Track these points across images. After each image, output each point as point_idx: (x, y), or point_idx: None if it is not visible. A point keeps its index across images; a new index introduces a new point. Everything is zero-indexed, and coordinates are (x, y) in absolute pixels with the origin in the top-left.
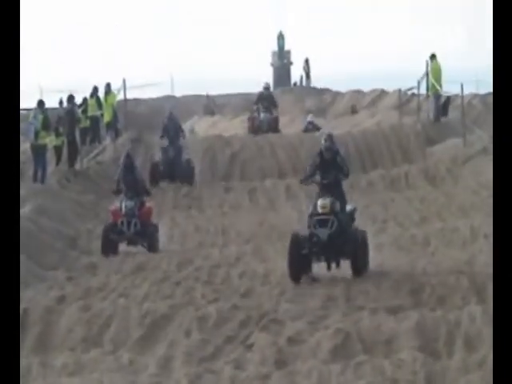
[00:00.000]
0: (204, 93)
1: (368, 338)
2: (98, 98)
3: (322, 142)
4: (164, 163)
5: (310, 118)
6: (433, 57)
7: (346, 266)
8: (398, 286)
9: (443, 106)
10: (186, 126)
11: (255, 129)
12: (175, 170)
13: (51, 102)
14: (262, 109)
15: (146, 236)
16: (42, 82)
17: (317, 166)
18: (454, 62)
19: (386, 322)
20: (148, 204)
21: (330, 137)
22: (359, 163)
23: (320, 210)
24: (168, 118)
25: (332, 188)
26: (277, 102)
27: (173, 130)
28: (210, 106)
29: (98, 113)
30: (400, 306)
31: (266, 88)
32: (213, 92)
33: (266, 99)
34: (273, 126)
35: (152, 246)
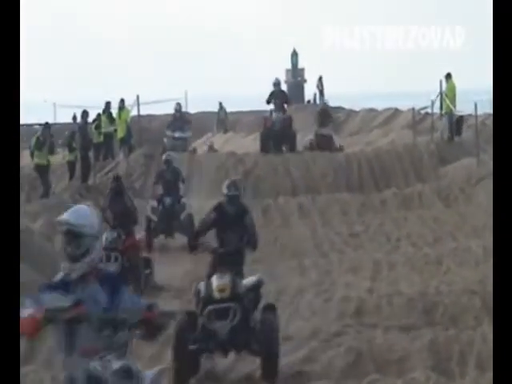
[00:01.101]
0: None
1: (380, 356)
2: (110, 114)
3: (225, 190)
4: (159, 215)
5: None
6: (448, 76)
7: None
8: (411, 305)
9: (457, 125)
10: (202, 142)
11: (267, 131)
12: (173, 225)
13: (65, 118)
14: (275, 108)
15: (131, 274)
16: (56, 98)
17: (212, 223)
18: (468, 81)
19: (399, 340)
20: (138, 235)
21: (234, 184)
22: (372, 182)
23: (217, 295)
24: (165, 161)
25: (232, 259)
26: (289, 98)
27: (171, 178)
28: (224, 120)
29: (111, 128)
30: (413, 324)
31: (277, 84)
32: (226, 109)
33: (277, 96)
34: (286, 125)
35: (137, 287)
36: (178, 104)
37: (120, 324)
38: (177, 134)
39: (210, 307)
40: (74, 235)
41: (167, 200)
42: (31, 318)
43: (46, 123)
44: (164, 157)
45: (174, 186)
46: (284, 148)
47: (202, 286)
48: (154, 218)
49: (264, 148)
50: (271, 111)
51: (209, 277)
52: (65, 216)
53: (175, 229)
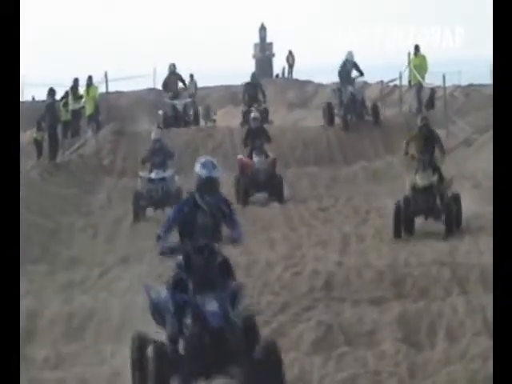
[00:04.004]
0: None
1: (350, 329)
2: (77, 91)
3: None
4: (148, 189)
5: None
6: (416, 48)
7: None
8: (380, 278)
9: (429, 98)
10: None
11: (247, 179)
12: (163, 199)
13: (31, 96)
14: (255, 150)
15: None
16: (25, 75)
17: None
18: (435, 53)
19: (369, 313)
20: None
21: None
22: (341, 155)
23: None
24: (155, 141)
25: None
26: (270, 137)
27: (161, 154)
28: (193, 94)
29: (79, 106)
30: (382, 297)
31: (255, 119)
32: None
33: (256, 135)
34: (271, 173)
35: None
36: (173, 64)
37: None
38: (176, 101)
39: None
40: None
41: (157, 174)
42: None
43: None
44: (152, 135)
45: (163, 162)
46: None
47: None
48: (143, 191)
49: (243, 199)
50: (251, 151)
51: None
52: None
53: (165, 203)
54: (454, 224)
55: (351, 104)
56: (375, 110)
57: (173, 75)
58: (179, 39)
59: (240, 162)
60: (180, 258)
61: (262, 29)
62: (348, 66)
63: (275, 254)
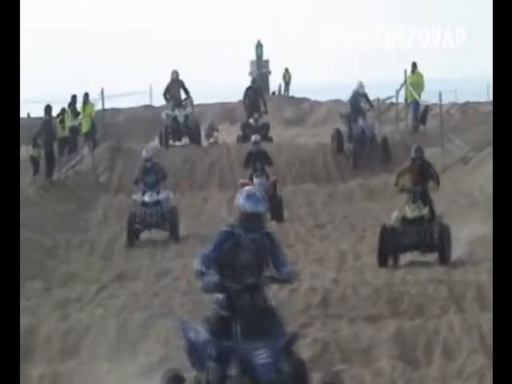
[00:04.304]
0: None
1: (347, 347)
2: (75, 108)
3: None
4: (141, 210)
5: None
6: (414, 66)
7: None
8: (377, 295)
9: (422, 114)
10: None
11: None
12: (157, 219)
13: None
14: (255, 172)
15: None
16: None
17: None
18: (432, 71)
19: (365, 330)
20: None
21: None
22: (338, 172)
23: None
24: (146, 160)
25: None
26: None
27: (153, 174)
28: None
29: (76, 123)
30: (379, 314)
31: (256, 142)
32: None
33: (257, 158)
34: (272, 194)
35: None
36: (176, 71)
37: None
38: (177, 112)
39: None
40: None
41: (151, 197)
42: None
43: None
44: (143, 154)
45: (156, 183)
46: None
47: None
48: (137, 215)
49: None
50: (251, 176)
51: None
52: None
53: (160, 225)
54: (445, 259)
55: (361, 139)
56: (385, 146)
57: (175, 82)
58: (175, 56)
59: (241, 186)
60: (219, 295)
61: (259, 46)
62: (358, 98)
63: None
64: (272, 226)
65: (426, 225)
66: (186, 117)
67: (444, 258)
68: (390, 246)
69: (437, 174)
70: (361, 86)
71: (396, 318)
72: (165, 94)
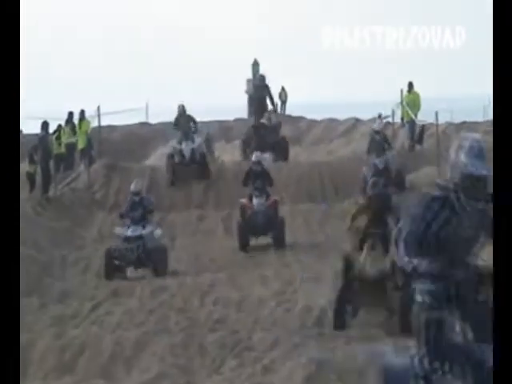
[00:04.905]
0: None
1: (342, 366)
2: (73, 125)
3: None
4: (124, 252)
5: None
6: (410, 86)
7: None
8: (374, 314)
9: (419, 133)
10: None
11: (246, 222)
12: (141, 260)
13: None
14: (255, 192)
15: None
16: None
17: None
18: (428, 91)
19: (360, 350)
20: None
21: None
22: (334, 191)
23: None
24: (134, 193)
25: None
26: (272, 179)
27: (140, 210)
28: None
29: (73, 139)
30: (374, 334)
31: (256, 163)
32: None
33: (258, 177)
34: (272, 215)
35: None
36: (182, 106)
37: None
38: (184, 146)
39: None
40: None
41: (133, 231)
42: None
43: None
44: (132, 187)
45: (142, 218)
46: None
47: None
48: (117, 250)
49: (242, 244)
50: (250, 196)
51: None
52: None
53: (143, 263)
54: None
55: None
56: (400, 179)
57: (182, 117)
58: (172, 74)
59: (241, 206)
60: (429, 285)
61: (255, 64)
62: (378, 138)
63: (267, 290)
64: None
65: (388, 282)
66: (193, 151)
67: (405, 329)
68: (349, 297)
69: (398, 214)
70: (379, 125)
71: (391, 337)
72: (175, 125)
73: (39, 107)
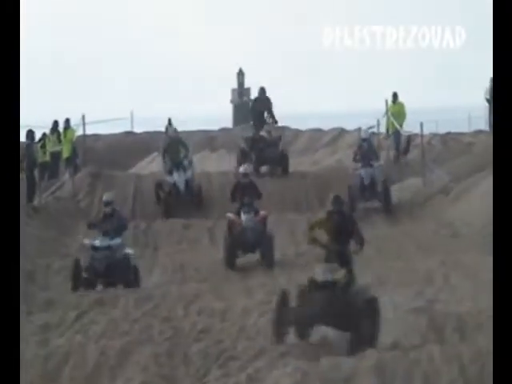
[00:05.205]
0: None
1: (327, 376)
2: (58, 133)
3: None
4: (91, 262)
5: (242, 169)
6: (395, 96)
7: None
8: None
9: (404, 145)
10: (148, 162)
11: (234, 239)
12: (110, 272)
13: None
14: (243, 207)
15: None
16: None
17: None
18: (413, 101)
19: (345, 360)
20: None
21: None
22: (318, 201)
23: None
24: (106, 203)
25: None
26: (260, 192)
27: (112, 224)
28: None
29: (58, 148)
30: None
31: (245, 175)
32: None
33: (245, 191)
34: (260, 230)
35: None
36: (174, 129)
37: None
38: (176, 178)
39: None
40: None
41: (102, 241)
42: None
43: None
44: (104, 197)
45: (113, 230)
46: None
47: None
48: (85, 261)
49: (229, 261)
50: (238, 211)
51: None
52: None
53: (110, 275)
54: (364, 340)
55: (360, 188)
56: (386, 194)
57: (173, 141)
58: (156, 83)
59: (228, 222)
60: None
61: (240, 74)
62: (365, 147)
63: (251, 299)
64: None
65: (339, 293)
66: (187, 182)
67: (356, 343)
68: (290, 316)
69: (360, 235)
70: (365, 132)
71: (376, 347)
72: (163, 155)
73: (24, 116)
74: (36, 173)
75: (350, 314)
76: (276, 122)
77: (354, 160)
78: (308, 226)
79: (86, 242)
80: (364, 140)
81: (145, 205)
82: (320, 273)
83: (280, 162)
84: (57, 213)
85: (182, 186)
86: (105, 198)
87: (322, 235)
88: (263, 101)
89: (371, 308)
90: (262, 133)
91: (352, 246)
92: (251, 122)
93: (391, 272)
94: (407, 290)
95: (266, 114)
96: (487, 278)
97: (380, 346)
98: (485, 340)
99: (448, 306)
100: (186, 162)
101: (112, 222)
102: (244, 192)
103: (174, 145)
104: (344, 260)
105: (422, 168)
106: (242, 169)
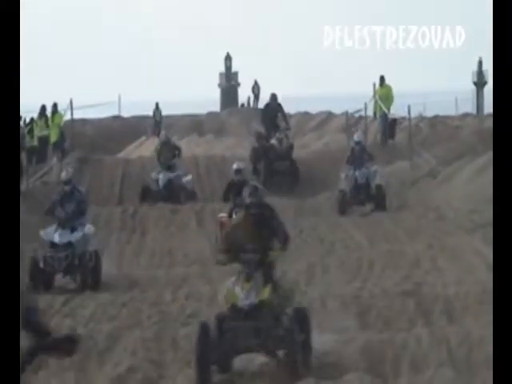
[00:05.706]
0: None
1: (314, 360)
2: (46, 118)
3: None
4: (50, 261)
5: (235, 165)
6: (382, 79)
7: None
8: (345, 308)
9: (390, 127)
10: (134, 146)
11: None
12: (72, 267)
13: None
14: (236, 208)
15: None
16: None
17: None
18: (400, 84)
19: (333, 344)
20: None
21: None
22: (306, 186)
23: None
24: (66, 182)
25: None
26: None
27: (72, 206)
28: (159, 122)
29: (46, 133)
30: (347, 328)
31: (238, 171)
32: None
33: (239, 190)
34: None
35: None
36: (165, 134)
37: None
38: (160, 176)
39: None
40: None
41: (61, 237)
42: None
43: None
44: (62, 175)
45: (73, 217)
46: None
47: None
48: (43, 259)
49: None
50: (232, 209)
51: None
52: None
53: (73, 271)
54: (301, 362)
55: (354, 190)
56: (381, 197)
57: (165, 146)
58: (144, 67)
59: (219, 223)
60: None
61: (228, 58)
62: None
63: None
64: None
65: (267, 314)
66: (170, 181)
67: (295, 365)
68: (213, 351)
69: (284, 230)
70: (359, 136)
71: (364, 331)
72: (157, 158)
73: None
74: (23, 157)
75: (278, 337)
76: (289, 128)
77: (347, 163)
78: (222, 234)
79: (44, 234)
80: (357, 143)
81: (132, 189)
82: (241, 295)
83: (290, 175)
84: (44, 198)
85: (162, 183)
86: (63, 175)
87: (239, 240)
88: (274, 107)
89: (302, 322)
90: (273, 141)
91: (275, 244)
92: (263, 129)
93: (379, 255)
94: (395, 273)
95: (278, 117)
96: (474, 261)
97: (369, 328)
98: (472, 322)
99: (435, 288)
100: (175, 161)
101: (72, 203)
102: (237, 192)
103: (165, 150)
104: (267, 272)
105: (409, 151)
106: (235, 165)
